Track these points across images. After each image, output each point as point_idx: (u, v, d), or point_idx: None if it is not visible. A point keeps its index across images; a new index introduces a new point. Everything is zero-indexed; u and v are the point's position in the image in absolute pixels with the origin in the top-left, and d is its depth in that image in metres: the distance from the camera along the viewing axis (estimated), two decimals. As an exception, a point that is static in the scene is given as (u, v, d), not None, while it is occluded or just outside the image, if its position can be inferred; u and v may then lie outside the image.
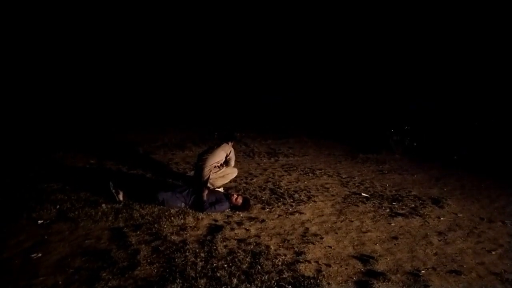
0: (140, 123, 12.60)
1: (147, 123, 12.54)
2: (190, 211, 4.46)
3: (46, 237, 3.56)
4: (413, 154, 9.71)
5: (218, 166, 5.28)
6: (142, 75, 17.20)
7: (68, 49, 16.16)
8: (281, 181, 6.33)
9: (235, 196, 4.65)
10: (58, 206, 4.34)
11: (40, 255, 3.20)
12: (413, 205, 5.33)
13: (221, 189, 5.27)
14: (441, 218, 4.88)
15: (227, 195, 4.81)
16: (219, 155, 5.25)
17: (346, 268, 3.32)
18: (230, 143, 5.50)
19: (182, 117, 13.31)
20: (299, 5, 18.40)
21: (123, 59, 17.34)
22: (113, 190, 4.57)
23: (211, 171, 5.14)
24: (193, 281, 2.87)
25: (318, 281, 3.03)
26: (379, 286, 3.04)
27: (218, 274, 3.00)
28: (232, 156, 5.44)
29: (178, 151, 8.38)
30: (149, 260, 3.20)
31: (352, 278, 3.16)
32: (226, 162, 5.42)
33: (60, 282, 2.79)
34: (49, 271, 2.94)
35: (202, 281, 2.89)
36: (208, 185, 5.12)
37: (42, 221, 3.92)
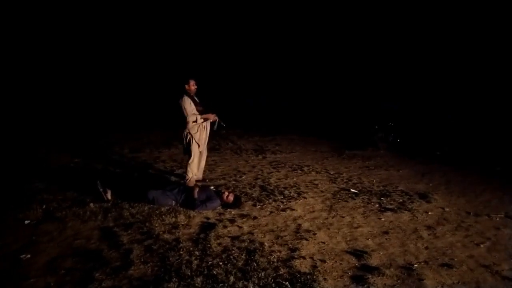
0: (126, 122, 12.41)
1: (133, 123, 12.35)
2: (181, 209, 4.41)
3: (34, 237, 3.46)
4: (397, 150, 9.87)
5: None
6: (131, 75, 16.93)
7: (60, 51, 15.77)
8: (270, 178, 6.33)
9: (226, 193, 4.62)
10: (44, 206, 4.23)
11: (29, 256, 3.11)
12: (401, 200, 5.41)
13: (211, 187, 5.22)
14: (429, 213, 4.96)
15: (218, 192, 4.77)
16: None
17: (340, 263, 3.34)
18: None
19: (167, 117, 13.16)
20: (282, 7, 18.44)
21: (114, 59, 17.01)
22: (101, 189, 4.47)
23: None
24: (189, 280, 2.84)
25: (315, 276, 3.03)
26: (374, 280, 3.07)
27: (215, 272, 2.97)
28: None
29: (164, 149, 8.28)
30: (142, 259, 3.15)
31: (347, 273, 3.18)
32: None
33: (51, 284, 2.71)
34: (39, 272, 2.85)
35: (198, 279, 2.85)
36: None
37: (29, 221, 3.81)
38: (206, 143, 5.54)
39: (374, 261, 3.44)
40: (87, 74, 16.04)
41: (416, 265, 3.41)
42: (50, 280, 2.75)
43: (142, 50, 17.60)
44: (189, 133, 5.23)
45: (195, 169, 5.43)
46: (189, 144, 5.30)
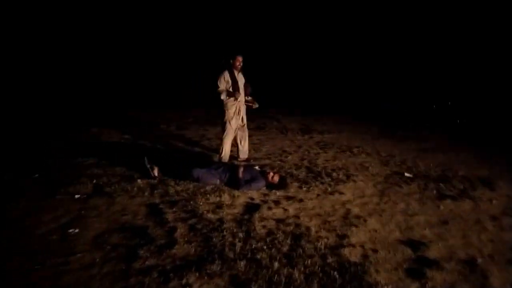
0: (172, 100, 12.59)
1: (178, 100, 12.52)
2: (226, 188, 4.32)
3: (82, 212, 3.53)
4: (456, 133, 9.15)
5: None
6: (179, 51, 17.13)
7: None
8: (317, 159, 6.08)
9: (271, 174, 4.47)
10: (94, 181, 4.32)
11: (77, 230, 3.16)
12: (461, 187, 4.96)
13: (256, 167, 5.10)
14: (493, 201, 4.50)
15: (263, 172, 4.63)
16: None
17: (394, 254, 3.09)
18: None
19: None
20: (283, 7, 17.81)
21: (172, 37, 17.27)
22: (148, 166, 4.50)
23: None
24: (232, 263, 2.74)
25: (366, 268, 2.82)
26: (433, 275, 2.79)
27: (258, 257, 2.85)
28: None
29: (209, 127, 8.26)
30: (186, 239, 3.09)
31: (402, 265, 2.92)
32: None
33: (97, 260, 2.72)
34: (86, 247, 2.89)
35: (242, 263, 2.74)
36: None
37: (79, 195, 3.90)
38: (241, 124, 5.39)
39: (432, 253, 3.15)
40: (134, 55, 16.40)
41: (480, 260, 3.07)
42: (96, 256, 2.77)
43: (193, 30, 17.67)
44: (223, 108, 5.16)
45: (226, 146, 5.34)
46: (222, 120, 5.24)
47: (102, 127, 7.55)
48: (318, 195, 4.39)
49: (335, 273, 2.69)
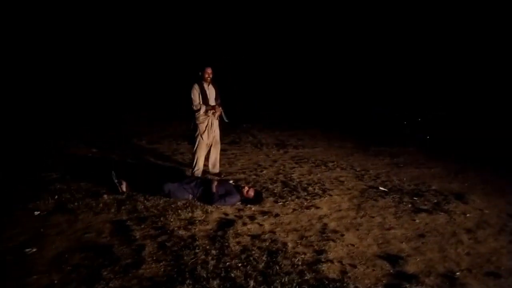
0: (144, 114, 12.31)
1: (151, 115, 12.24)
2: (198, 203, 4.14)
3: (42, 230, 3.26)
4: (427, 147, 9.34)
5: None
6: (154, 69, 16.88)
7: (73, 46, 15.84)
8: (293, 173, 5.99)
9: (246, 188, 4.33)
10: (56, 197, 4.04)
11: (34, 250, 2.90)
12: (435, 200, 4.98)
13: (231, 182, 4.94)
14: (467, 215, 4.53)
15: (237, 187, 4.49)
16: None
17: (373, 270, 2.99)
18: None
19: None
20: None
21: (145, 47, 16.96)
22: (116, 181, 4.26)
23: None
24: (204, 282, 2.56)
25: (345, 284, 2.70)
26: (413, 290, 2.71)
27: (233, 275, 2.68)
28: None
29: (183, 142, 8.05)
30: (155, 258, 2.89)
31: (382, 280, 2.83)
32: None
33: (55, 281, 2.48)
34: (44, 268, 2.63)
35: (214, 282, 2.56)
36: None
37: (39, 212, 3.62)
38: (214, 137, 5.26)
39: (410, 267, 3.07)
40: (106, 65, 16.03)
41: (458, 273, 3.03)
42: (55, 277, 2.53)
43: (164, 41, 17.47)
44: (195, 122, 5.03)
45: (199, 160, 5.19)
46: (194, 135, 5.10)
47: (70, 139, 7.20)
48: (294, 209, 4.27)
49: (314, 290, 2.56)
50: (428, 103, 13.21)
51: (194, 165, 5.15)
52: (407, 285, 2.77)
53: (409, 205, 4.72)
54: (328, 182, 5.57)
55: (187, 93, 5.00)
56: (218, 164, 5.50)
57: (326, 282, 2.70)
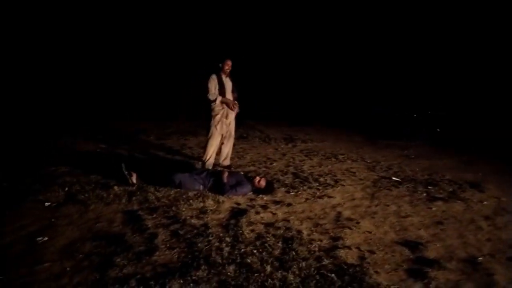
0: (152, 111, 12.28)
1: (158, 111, 12.21)
2: (210, 194, 4.07)
3: (53, 220, 3.21)
4: (436, 140, 9.21)
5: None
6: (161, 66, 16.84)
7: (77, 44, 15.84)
8: (303, 165, 5.91)
9: (258, 178, 4.25)
10: (66, 189, 3.99)
11: (46, 239, 2.84)
12: (450, 189, 4.88)
13: (241, 173, 4.87)
14: (484, 202, 4.42)
15: (249, 177, 4.42)
16: None
17: (392, 255, 2.90)
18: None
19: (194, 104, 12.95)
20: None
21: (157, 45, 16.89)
22: (126, 172, 4.20)
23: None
24: (220, 268, 2.48)
25: (364, 269, 2.61)
26: (435, 275, 2.61)
27: (248, 261, 2.60)
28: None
29: (191, 137, 8.00)
30: (168, 245, 2.82)
31: (402, 265, 2.73)
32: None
33: (67, 269, 2.42)
34: (55, 256, 2.58)
35: (230, 267, 2.49)
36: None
37: (49, 203, 3.56)
38: (229, 129, 5.19)
39: (431, 253, 2.98)
40: (110, 65, 16.02)
41: (480, 258, 2.93)
42: (67, 265, 2.47)
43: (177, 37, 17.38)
44: (210, 113, 4.97)
45: (211, 150, 5.10)
46: (209, 124, 5.04)
47: (77, 137, 7.17)
48: (306, 199, 4.19)
49: (333, 275, 2.47)
50: (428, 103, 13.03)
51: (205, 156, 5.08)
52: (429, 270, 2.67)
53: (424, 194, 4.62)
54: (340, 173, 5.49)
55: (203, 83, 4.94)
56: (229, 157, 5.43)
57: (345, 267, 2.61)
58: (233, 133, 5.30)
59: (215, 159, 5.27)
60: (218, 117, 5.01)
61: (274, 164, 5.90)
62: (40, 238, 2.84)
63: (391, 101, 13.94)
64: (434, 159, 6.99)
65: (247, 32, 17.35)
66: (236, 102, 5.11)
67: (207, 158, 5.07)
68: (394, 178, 5.32)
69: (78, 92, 14.19)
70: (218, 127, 5.02)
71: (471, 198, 4.54)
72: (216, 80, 4.93)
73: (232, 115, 5.16)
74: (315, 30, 17.76)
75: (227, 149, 5.32)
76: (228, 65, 4.98)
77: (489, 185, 5.21)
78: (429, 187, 4.93)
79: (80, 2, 15.27)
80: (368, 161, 6.47)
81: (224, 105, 5.01)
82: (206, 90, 4.91)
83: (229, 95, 5.06)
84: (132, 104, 13.65)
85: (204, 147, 5.15)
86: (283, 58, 18.01)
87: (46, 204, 3.55)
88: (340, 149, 7.57)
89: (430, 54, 14.76)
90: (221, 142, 5.22)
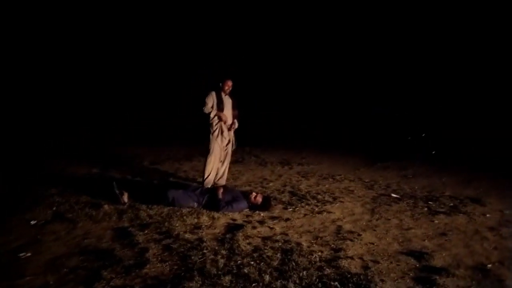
0: (144, 138, 12.18)
1: (151, 137, 12.12)
2: (204, 211, 3.92)
3: (38, 237, 3.04)
4: (433, 161, 9.15)
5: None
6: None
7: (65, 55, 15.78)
8: (300, 185, 5.79)
9: (254, 194, 4.13)
10: (54, 208, 3.83)
11: (29, 254, 2.67)
12: (451, 204, 4.76)
13: (237, 189, 4.73)
14: (487, 215, 4.30)
15: (245, 194, 4.28)
16: None
17: (397, 265, 2.75)
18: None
19: (187, 131, 12.89)
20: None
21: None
22: (117, 191, 4.06)
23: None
24: (215, 279, 2.32)
25: (369, 277, 2.46)
26: (444, 281, 2.46)
27: (246, 271, 2.44)
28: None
29: (185, 162, 7.87)
30: (160, 258, 2.66)
31: (408, 274, 2.59)
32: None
33: (51, 282, 2.24)
34: (38, 270, 2.41)
35: (226, 278, 2.33)
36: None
37: (35, 221, 3.40)
38: (227, 147, 5.10)
39: (437, 262, 2.83)
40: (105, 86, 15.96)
41: (489, 266, 2.78)
42: (50, 279, 2.30)
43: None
44: (209, 128, 4.88)
45: (210, 168, 4.98)
46: (207, 141, 4.93)
47: (69, 160, 7.02)
48: (305, 214, 4.05)
49: (336, 283, 2.32)
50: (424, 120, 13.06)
51: (204, 174, 4.94)
52: (437, 277, 2.52)
53: (425, 209, 4.50)
54: (338, 192, 5.36)
55: (202, 99, 4.90)
56: (225, 177, 5.30)
57: (349, 275, 2.46)
58: (230, 152, 5.20)
59: None
60: (216, 132, 4.92)
61: (271, 184, 5.77)
62: (23, 254, 2.67)
63: (392, 101, 13.85)
64: (433, 178, 6.90)
65: (249, 33, 17.31)
66: (233, 123, 5.03)
67: (206, 176, 4.93)
68: (393, 195, 5.20)
69: (70, 114, 14.07)
70: (218, 141, 4.92)
71: (473, 212, 4.43)
72: (214, 97, 4.88)
73: (230, 133, 5.08)
74: (315, 32, 17.83)
75: (224, 167, 5.21)
76: (228, 85, 4.95)
77: (490, 199, 5.10)
78: (429, 202, 4.81)
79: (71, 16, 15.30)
80: (366, 181, 6.37)
81: (221, 122, 4.92)
82: (203, 105, 4.85)
83: (228, 112, 4.99)
84: (125, 129, 13.57)
85: (204, 165, 5.02)
86: (283, 58, 17.96)
87: (32, 222, 3.39)
88: (337, 170, 7.46)
89: (429, 56, 14.84)
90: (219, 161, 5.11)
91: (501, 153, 9.56)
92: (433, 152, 10.09)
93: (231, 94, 5.10)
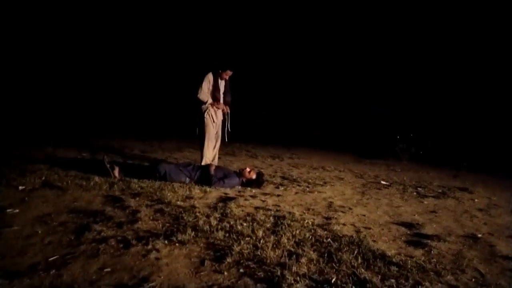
0: (136, 131, 12.06)
1: (143, 132, 12.01)
2: (196, 186, 3.89)
3: (26, 199, 2.97)
4: (420, 161, 9.27)
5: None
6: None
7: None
8: (291, 172, 5.80)
9: (248, 169, 4.12)
10: (43, 178, 3.74)
11: (17, 211, 2.60)
12: (440, 191, 4.83)
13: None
14: (476, 200, 4.37)
15: (237, 171, 4.26)
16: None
17: (389, 231, 2.77)
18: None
19: (179, 127, 12.80)
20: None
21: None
22: (108, 165, 4.01)
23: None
24: (208, 233, 2.30)
25: (362, 238, 2.47)
26: (436, 245, 2.48)
27: (239, 228, 2.43)
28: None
29: (176, 152, 7.82)
30: (152, 218, 2.63)
31: (400, 238, 2.61)
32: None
33: (39, 232, 2.20)
34: (26, 223, 2.35)
35: (219, 233, 2.31)
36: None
37: (23, 187, 3.32)
38: (217, 130, 5.05)
39: (428, 230, 2.87)
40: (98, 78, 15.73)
41: (480, 235, 2.82)
42: (38, 229, 2.25)
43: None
44: (201, 112, 4.82)
45: (210, 155, 4.95)
46: (201, 126, 4.86)
47: (57, 147, 6.90)
48: (296, 193, 4.06)
49: (329, 240, 2.32)
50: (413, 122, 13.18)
51: (203, 161, 4.86)
52: (429, 241, 2.55)
53: (414, 193, 4.56)
54: (328, 178, 5.39)
55: (198, 80, 4.82)
56: (216, 159, 5.25)
57: (341, 236, 2.46)
58: (220, 134, 5.15)
59: None
60: (209, 118, 4.84)
61: (262, 171, 5.76)
62: (10, 210, 2.60)
63: (392, 101, 13.92)
64: (420, 172, 6.99)
65: (249, 35, 17.14)
66: (226, 106, 5.00)
67: (205, 160, 4.86)
68: (383, 182, 5.26)
69: (62, 103, 13.80)
70: (212, 125, 4.86)
71: (461, 197, 4.50)
72: (211, 80, 4.81)
73: (220, 116, 5.05)
74: (315, 32, 17.81)
75: (215, 150, 5.18)
76: (227, 74, 4.86)
77: (478, 189, 5.19)
78: (418, 189, 4.88)
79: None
80: (356, 171, 6.41)
81: (209, 104, 4.86)
82: (198, 88, 4.79)
83: (221, 97, 4.97)
84: (116, 123, 13.41)
85: (201, 151, 4.94)
86: (284, 58, 17.87)
87: (20, 187, 3.31)
88: (328, 163, 7.51)
89: (429, 56, 14.96)
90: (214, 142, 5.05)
91: (487, 153, 9.73)
92: (421, 152, 10.16)
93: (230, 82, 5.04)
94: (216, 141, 5.12)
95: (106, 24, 16.11)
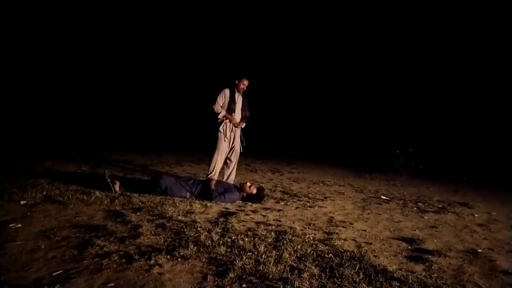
0: (135, 147, 12.09)
1: (141, 147, 12.04)
2: (197, 200, 3.90)
3: (28, 213, 2.98)
4: (420, 175, 9.30)
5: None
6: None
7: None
8: (291, 186, 5.81)
9: (249, 184, 4.14)
10: (44, 192, 3.75)
11: (19, 225, 2.61)
12: (440, 206, 4.84)
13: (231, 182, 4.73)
14: (476, 215, 4.38)
15: (237, 186, 4.28)
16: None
17: (390, 246, 2.78)
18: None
19: (179, 139, 12.88)
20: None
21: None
22: (109, 180, 4.03)
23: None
24: (210, 248, 2.31)
25: (363, 253, 2.48)
26: (436, 260, 2.49)
27: (240, 243, 2.44)
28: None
29: (176, 166, 7.84)
30: (153, 233, 2.63)
31: (401, 253, 2.61)
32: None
33: (42, 246, 2.20)
34: (29, 237, 2.36)
35: (221, 248, 2.32)
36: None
37: (25, 202, 3.33)
38: (234, 146, 5.03)
39: (429, 246, 2.88)
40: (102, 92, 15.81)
41: (480, 250, 2.83)
42: (41, 244, 2.25)
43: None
44: (217, 125, 4.83)
45: (215, 165, 4.89)
46: (215, 138, 4.87)
47: (57, 160, 6.92)
48: (297, 207, 4.07)
49: (330, 255, 2.33)
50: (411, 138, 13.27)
51: (210, 170, 4.85)
52: (430, 257, 2.56)
53: (415, 208, 4.57)
54: (329, 193, 5.40)
55: (214, 95, 4.84)
56: (233, 177, 5.14)
57: (343, 251, 2.47)
58: (238, 150, 5.08)
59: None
60: (223, 130, 4.84)
61: (262, 185, 5.78)
62: (13, 224, 2.61)
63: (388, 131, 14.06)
64: (420, 187, 7.02)
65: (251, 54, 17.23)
66: (241, 122, 4.96)
67: (210, 171, 4.83)
68: (383, 197, 5.27)
69: (62, 111, 13.84)
70: (226, 139, 4.85)
71: (461, 212, 4.51)
72: (227, 95, 4.82)
73: (238, 132, 5.00)
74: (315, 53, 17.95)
75: (231, 166, 5.09)
76: (244, 84, 4.85)
77: (477, 204, 5.21)
78: (418, 204, 4.89)
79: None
80: (356, 186, 6.43)
81: (223, 117, 4.85)
82: (214, 102, 4.81)
83: (238, 113, 4.93)
84: (117, 136, 13.46)
85: (210, 161, 4.93)
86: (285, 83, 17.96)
87: (22, 202, 3.32)
88: (327, 177, 7.53)
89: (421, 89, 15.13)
90: (226, 159, 5.02)
91: (485, 166, 9.77)
92: (420, 167, 10.20)
93: (245, 94, 5.02)
94: (232, 155, 5.04)
95: (107, 30, 16.21)
